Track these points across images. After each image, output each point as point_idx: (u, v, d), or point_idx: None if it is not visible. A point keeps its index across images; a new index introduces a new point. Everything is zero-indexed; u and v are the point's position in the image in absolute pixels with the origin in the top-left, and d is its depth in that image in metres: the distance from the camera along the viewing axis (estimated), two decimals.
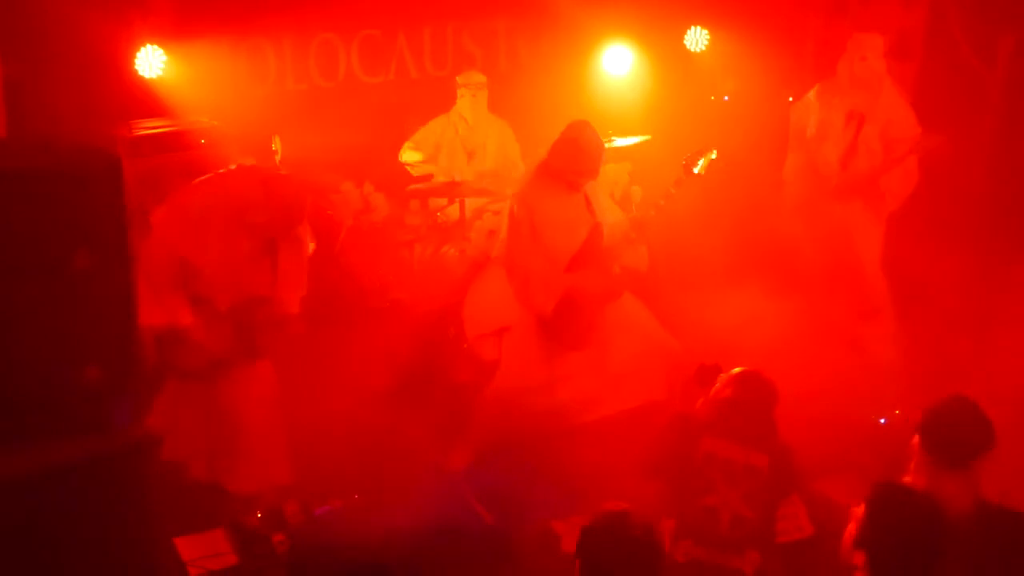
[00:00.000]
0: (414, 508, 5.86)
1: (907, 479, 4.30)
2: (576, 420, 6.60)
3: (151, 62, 7.58)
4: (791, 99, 9.35)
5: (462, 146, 8.82)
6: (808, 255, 7.75)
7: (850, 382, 6.93)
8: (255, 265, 5.91)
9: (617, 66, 9.41)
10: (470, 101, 8.72)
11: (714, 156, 6.55)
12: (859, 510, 3.91)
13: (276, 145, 8.37)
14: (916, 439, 4.35)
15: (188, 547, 5.66)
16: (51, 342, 4.43)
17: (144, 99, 7.59)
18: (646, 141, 9.11)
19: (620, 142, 9.01)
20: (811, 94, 7.82)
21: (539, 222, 6.54)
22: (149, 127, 7.68)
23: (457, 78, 8.81)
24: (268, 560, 5.68)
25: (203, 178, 5.93)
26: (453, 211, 8.45)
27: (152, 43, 7.55)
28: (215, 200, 5.79)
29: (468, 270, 8.00)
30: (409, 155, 8.78)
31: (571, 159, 6.54)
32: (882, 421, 6.83)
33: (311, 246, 6.25)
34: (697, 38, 9.53)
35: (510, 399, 6.63)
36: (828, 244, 7.66)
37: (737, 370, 5.25)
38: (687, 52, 9.59)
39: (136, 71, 7.56)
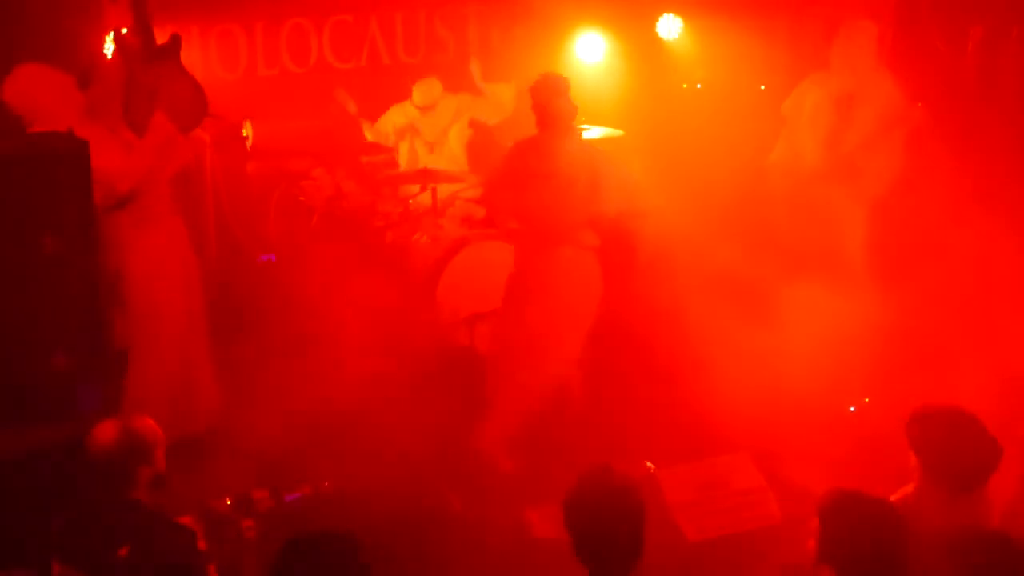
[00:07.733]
0: (385, 496, 5.86)
1: None
2: None
3: None
4: (763, 87, 9.39)
5: (422, 140, 8.82)
6: (790, 242, 7.75)
7: (821, 368, 6.94)
8: None
9: (589, 54, 9.40)
10: (431, 119, 8.74)
11: None
12: (815, 523, 3.65)
13: (248, 131, 8.34)
14: None
15: None
16: (18, 329, 4.40)
17: None
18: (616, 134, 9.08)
19: (590, 133, 8.97)
20: (803, 84, 7.86)
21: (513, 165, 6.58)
22: None
23: (414, 92, 8.74)
24: (237, 546, 5.67)
25: None
26: (425, 198, 8.43)
27: (121, 27, 7.49)
28: None
29: (440, 257, 7.98)
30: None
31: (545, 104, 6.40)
32: (851, 409, 6.86)
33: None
34: (670, 26, 9.53)
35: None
36: (811, 231, 7.65)
37: None
38: (660, 40, 9.59)
39: (104, 55, 7.49)
